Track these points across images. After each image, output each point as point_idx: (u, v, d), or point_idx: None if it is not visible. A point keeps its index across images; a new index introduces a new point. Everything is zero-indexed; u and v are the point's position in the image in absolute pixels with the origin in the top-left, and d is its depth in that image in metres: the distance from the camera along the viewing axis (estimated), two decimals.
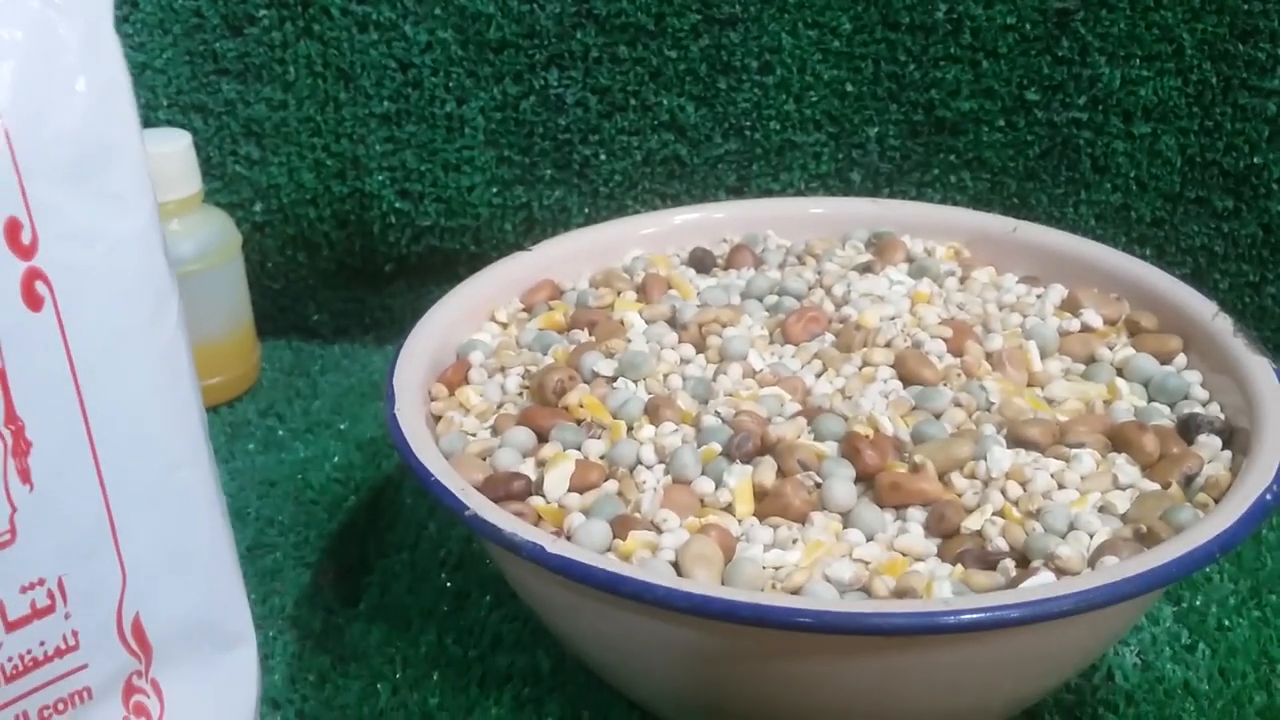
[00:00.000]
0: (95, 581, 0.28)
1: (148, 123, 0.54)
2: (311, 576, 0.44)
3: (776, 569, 0.31)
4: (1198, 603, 0.42)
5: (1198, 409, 0.37)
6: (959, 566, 0.31)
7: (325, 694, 0.39)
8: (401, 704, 0.38)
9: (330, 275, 0.58)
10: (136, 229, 0.28)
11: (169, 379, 0.29)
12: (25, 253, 0.26)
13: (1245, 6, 0.50)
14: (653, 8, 0.52)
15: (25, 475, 0.27)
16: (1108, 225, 0.55)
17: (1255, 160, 0.52)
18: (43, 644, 0.28)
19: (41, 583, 0.27)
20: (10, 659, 0.27)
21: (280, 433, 0.52)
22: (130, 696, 0.29)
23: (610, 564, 0.29)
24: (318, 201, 0.56)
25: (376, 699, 0.38)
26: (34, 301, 0.27)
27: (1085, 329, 0.41)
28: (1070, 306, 0.42)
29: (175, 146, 0.50)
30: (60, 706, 0.28)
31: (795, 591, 0.30)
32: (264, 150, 0.55)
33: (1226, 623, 0.41)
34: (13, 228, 0.26)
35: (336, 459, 0.50)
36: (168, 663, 0.30)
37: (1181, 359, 0.40)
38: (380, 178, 0.55)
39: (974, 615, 0.27)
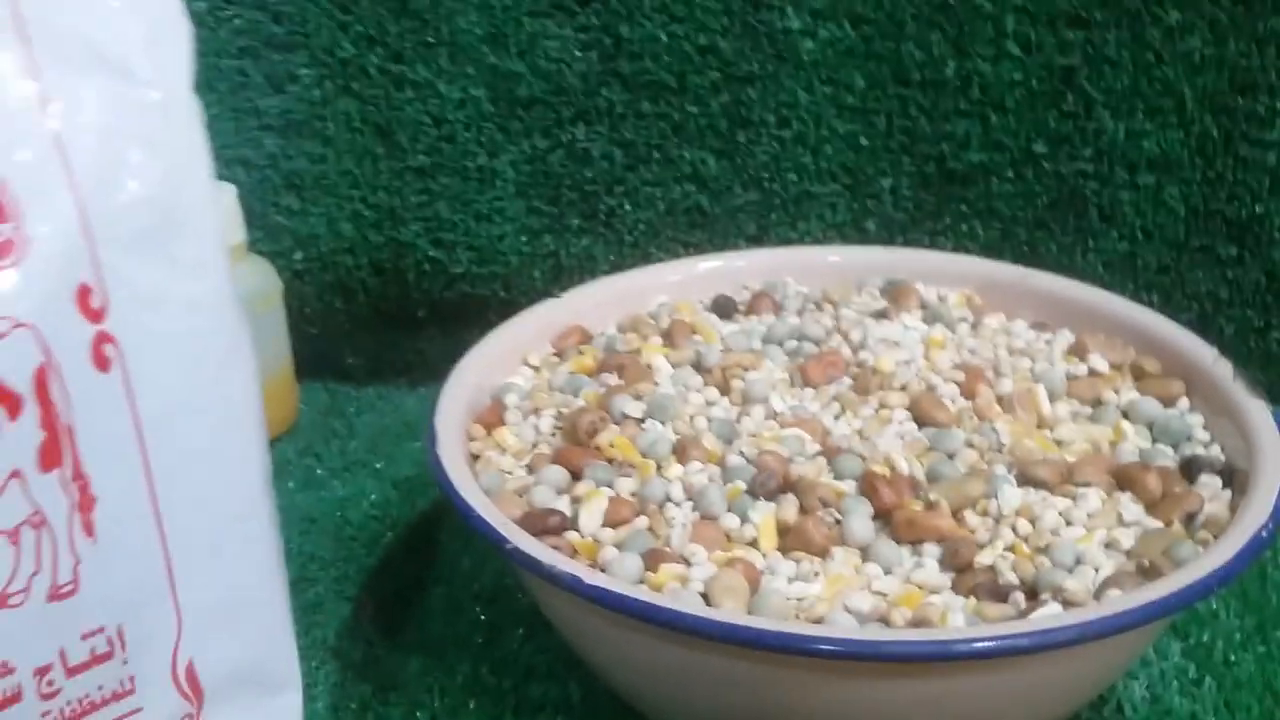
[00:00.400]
0: (153, 630, 0.29)
1: None
2: (352, 609, 0.46)
3: (800, 600, 0.33)
4: (1205, 638, 0.44)
5: (1199, 450, 0.39)
6: (972, 599, 0.33)
7: None
8: None
9: (366, 320, 0.60)
10: (206, 292, 0.29)
11: (236, 435, 0.30)
12: (95, 316, 0.27)
13: (1244, 62, 0.52)
14: (675, 66, 0.54)
15: (89, 528, 0.28)
16: (1115, 273, 0.57)
17: (1257, 209, 0.55)
18: (101, 688, 0.29)
19: (102, 630, 0.28)
20: (70, 702, 0.28)
21: (319, 472, 0.54)
22: None
23: (644, 594, 0.31)
24: (355, 250, 0.58)
25: None
26: (102, 363, 0.28)
27: (1092, 373, 0.43)
28: (1078, 352, 0.44)
29: (221, 199, 0.52)
30: None
31: (818, 621, 0.32)
32: (304, 202, 0.57)
33: (1233, 658, 0.43)
34: (84, 293, 0.27)
35: (374, 497, 0.52)
36: (218, 706, 0.31)
37: (1184, 402, 0.42)
38: (415, 228, 0.58)
39: (986, 643, 0.29)
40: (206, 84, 0.55)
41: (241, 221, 0.53)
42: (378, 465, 0.54)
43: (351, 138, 0.56)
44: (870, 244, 0.55)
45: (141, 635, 0.29)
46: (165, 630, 0.29)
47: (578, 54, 0.54)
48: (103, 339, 0.28)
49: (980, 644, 0.29)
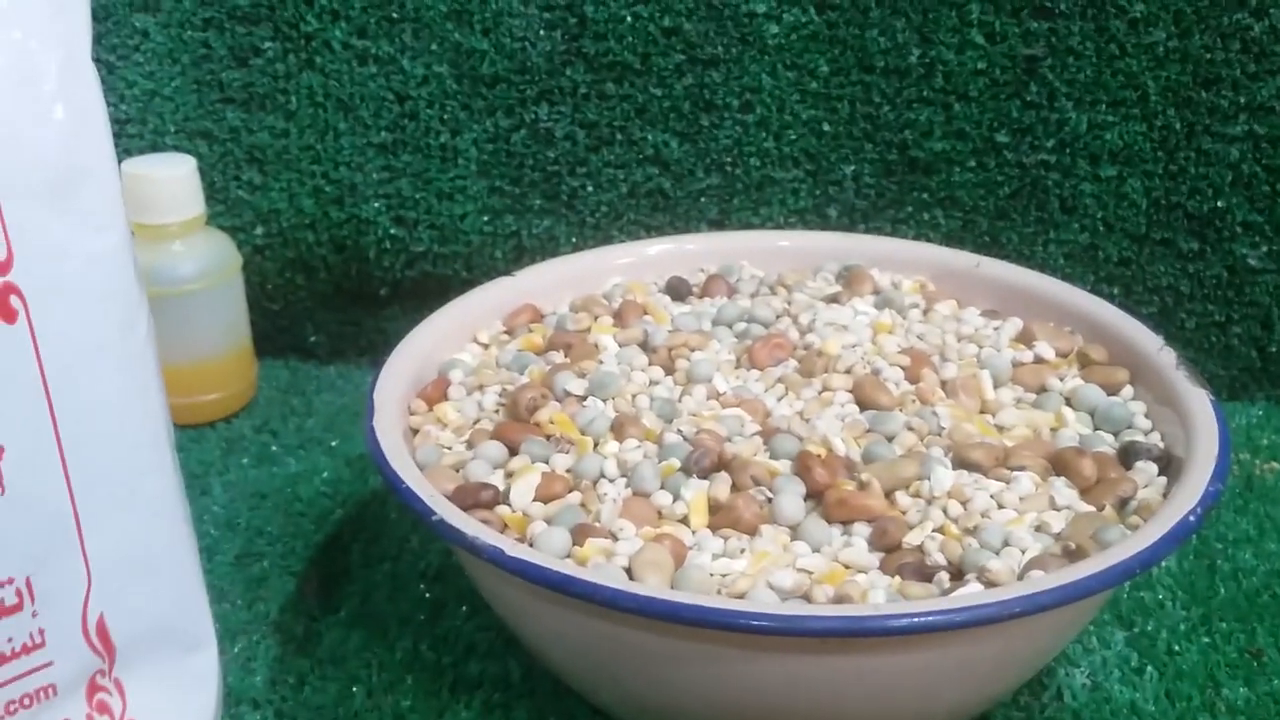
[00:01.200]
0: (62, 582, 0.29)
1: (155, 147, 0.57)
2: (296, 584, 0.46)
3: (724, 576, 0.33)
4: (1149, 628, 0.44)
5: (1139, 437, 0.39)
6: (897, 578, 0.33)
7: (303, 695, 0.41)
8: (376, 706, 0.40)
9: (327, 298, 0.60)
10: (108, 247, 0.30)
11: (137, 390, 0.30)
12: (1, 268, 0.28)
13: (1208, 56, 0.52)
14: (639, 47, 0.54)
15: None
16: (1076, 264, 0.57)
17: (1219, 204, 0.55)
18: (10, 640, 0.29)
19: (10, 581, 0.28)
20: None
21: (274, 448, 0.54)
22: (94, 694, 0.31)
23: (563, 566, 0.31)
24: (316, 226, 0.58)
25: (352, 701, 0.40)
26: (8, 315, 0.28)
27: (1038, 360, 0.43)
28: (1025, 339, 0.44)
29: (180, 170, 0.52)
30: (26, 701, 0.29)
31: (739, 597, 0.32)
32: (265, 176, 0.57)
33: (1176, 648, 0.43)
34: None
35: (326, 474, 0.52)
36: (131, 663, 0.31)
37: (1129, 390, 0.42)
38: (376, 205, 0.58)
39: (898, 620, 0.29)
40: (169, 55, 0.55)
41: (201, 194, 0.54)
42: (333, 443, 0.54)
43: (314, 112, 0.56)
44: (832, 230, 0.55)
45: (50, 587, 0.29)
46: (74, 583, 0.30)
47: (542, 33, 0.54)
48: (8, 290, 0.28)
49: (893, 620, 0.29)
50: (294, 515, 0.49)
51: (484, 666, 0.41)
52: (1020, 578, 0.32)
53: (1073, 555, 0.33)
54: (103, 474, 0.30)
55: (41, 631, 0.29)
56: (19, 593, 0.29)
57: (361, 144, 0.56)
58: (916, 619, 0.29)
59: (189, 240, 0.54)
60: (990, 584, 0.32)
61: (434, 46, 0.55)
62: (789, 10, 0.54)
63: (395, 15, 0.54)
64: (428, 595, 0.45)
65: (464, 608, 0.44)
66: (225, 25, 0.55)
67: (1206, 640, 0.43)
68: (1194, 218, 0.55)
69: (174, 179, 0.52)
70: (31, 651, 0.29)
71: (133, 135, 0.56)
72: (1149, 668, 0.42)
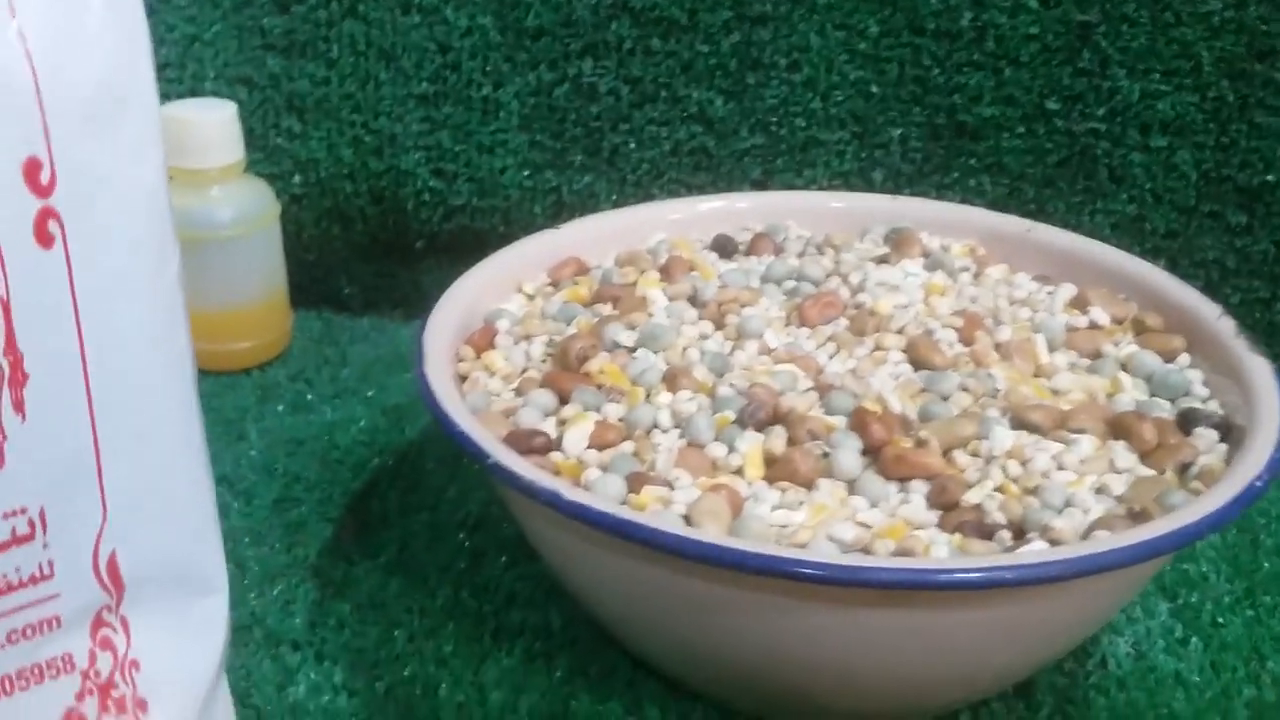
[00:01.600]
0: (76, 515, 0.29)
1: (195, 93, 0.56)
2: (334, 530, 0.45)
3: (782, 527, 0.32)
4: (1193, 599, 0.43)
5: (1197, 405, 0.39)
6: (957, 535, 0.33)
7: (344, 638, 0.40)
8: (417, 651, 0.40)
9: (363, 249, 0.60)
10: (149, 180, 0.29)
11: (166, 330, 0.29)
12: (43, 191, 0.27)
13: (1264, 28, 0.52)
14: (686, 3, 0.54)
15: (19, 406, 0.27)
16: (1123, 235, 0.56)
17: (1269, 177, 0.54)
18: (18, 569, 0.28)
19: (24, 511, 0.28)
20: None
21: (309, 396, 0.53)
22: (98, 630, 0.30)
23: (624, 511, 0.31)
24: (354, 177, 0.58)
25: (393, 644, 0.40)
26: (45, 239, 0.27)
27: (1093, 326, 0.43)
28: (1079, 304, 0.44)
29: (220, 115, 0.52)
30: (29, 632, 0.29)
31: (799, 548, 0.31)
32: (305, 124, 0.57)
33: (1220, 620, 0.43)
34: (32, 166, 0.26)
35: (363, 423, 0.51)
36: (139, 602, 0.30)
37: (1185, 358, 0.41)
38: (415, 156, 0.57)
39: (970, 574, 0.29)
40: (211, 1, 0.55)
41: (241, 141, 0.53)
42: (368, 393, 0.54)
43: (355, 61, 0.55)
44: (876, 193, 0.55)
45: (64, 519, 0.28)
46: (89, 517, 0.29)
47: None
48: (47, 214, 0.27)
49: (964, 574, 0.29)
50: (331, 463, 0.49)
51: (525, 615, 0.41)
52: (1084, 538, 0.32)
53: (1137, 518, 0.32)
54: (126, 410, 0.29)
55: (51, 563, 0.28)
56: (31, 523, 0.28)
57: (402, 94, 0.56)
58: (988, 573, 0.29)
59: (227, 186, 0.53)
60: (1055, 543, 0.31)
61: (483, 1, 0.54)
62: None
63: None
64: (467, 544, 0.45)
65: (504, 557, 0.44)
66: None
67: (1251, 614, 0.43)
68: (1244, 191, 0.55)
69: (214, 123, 0.52)
70: (39, 583, 0.28)
71: (172, 80, 0.56)
72: (1193, 639, 0.42)
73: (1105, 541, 0.30)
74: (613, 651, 0.39)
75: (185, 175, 0.52)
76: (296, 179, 0.58)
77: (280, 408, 0.53)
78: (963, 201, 0.56)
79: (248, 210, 0.53)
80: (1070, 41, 0.53)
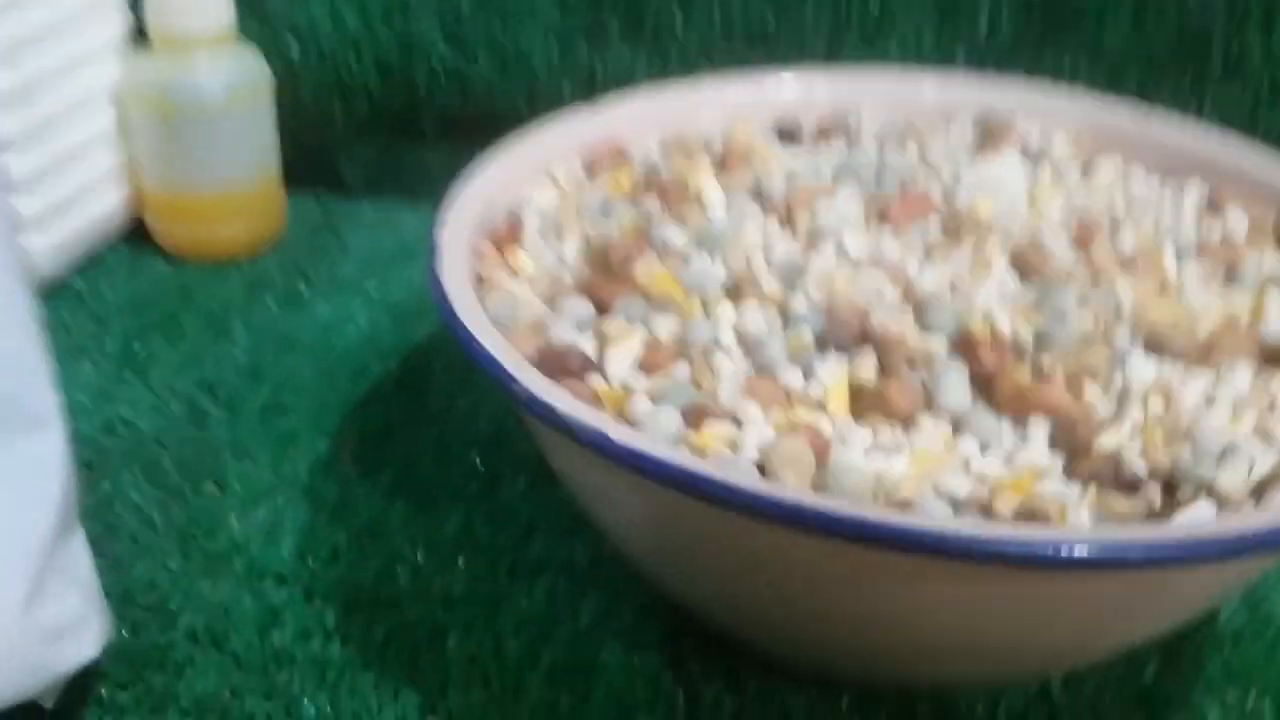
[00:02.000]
0: None
1: None
2: (330, 444, 0.39)
3: (879, 478, 0.26)
4: None
5: None
6: (1092, 489, 0.27)
7: (337, 571, 0.35)
8: (422, 590, 0.34)
9: (366, 129, 0.53)
10: None
11: None
12: None
13: None
14: None
15: None
16: (1235, 131, 0.49)
17: None
18: None
19: None
20: None
21: (303, 290, 0.47)
22: None
23: (688, 461, 0.24)
24: (359, 46, 0.51)
25: (394, 581, 0.34)
26: None
27: (1227, 236, 0.36)
28: (1211, 209, 0.37)
29: None
30: None
31: (903, 506, 0.25)
32: None
33: None
34: None
35: (362, 322, 0.45)
36: None
37: None
38: (429, 24, 0.50)
39: (1137, 548, 0.23)
40: None
41: (230, 3, 0.46)
42: (370, 288, 0.48)
43: None
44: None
45: None
46: None
47: None
48: None
49: (1132, 548, 0.22)
50: (327, 366, 0.43)
51: (546, 548, 0.36)
52: (1258, 498, 0.26)
53: None
54: None
55: None
56: None
57: None
58: (1181, 546, 0.22)
59: (215, 53, 0.46)
60: (1222, 503, 0.25)
61: None
62: None
63: None
64: (480, 464, 0.39)
65: (522, 480, 0.38)
66: None
67: None
68: None
69: None
70: None
71: None
72: None
73: None
74: (646, 591, 0.34)
75: (168, 40, 0.46)
76: (294, 47, 0.51)
77: (271, 303, 0.46)
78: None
79: (238, 81, 0.47)
80: None
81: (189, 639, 0.32)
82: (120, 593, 0.33)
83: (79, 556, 0.28)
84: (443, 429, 0.40)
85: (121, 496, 0.37)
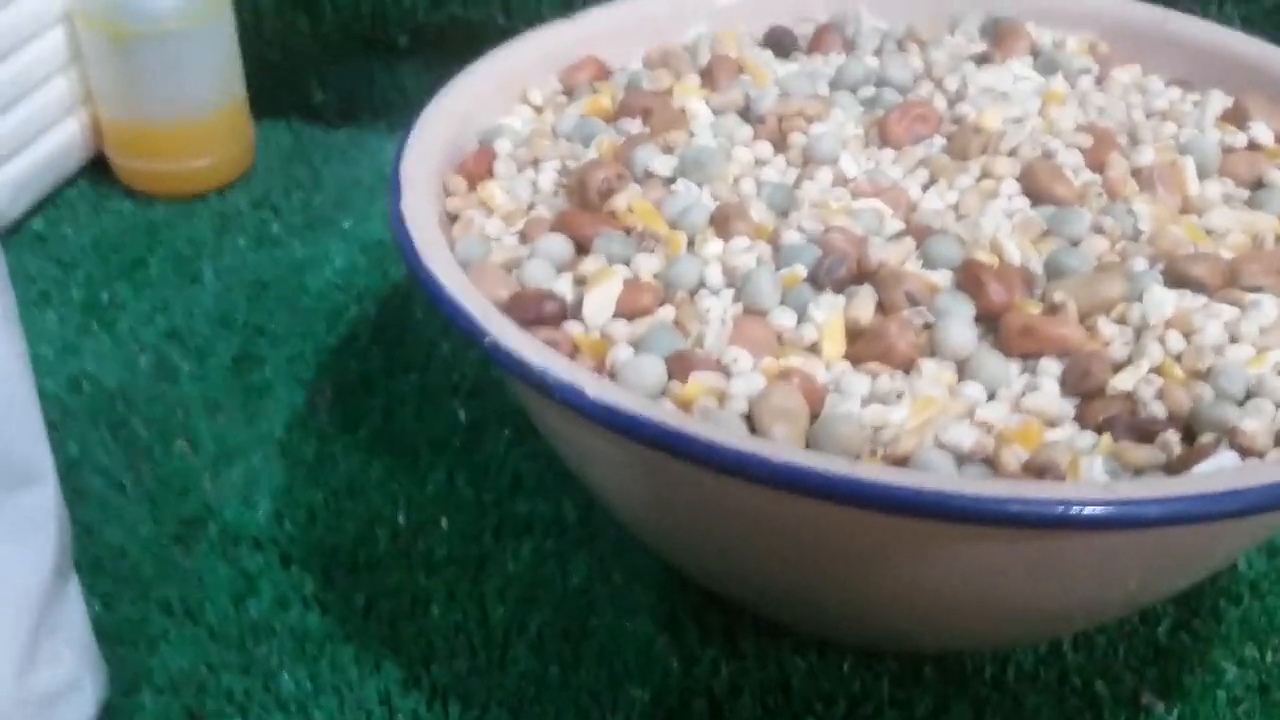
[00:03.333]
0: None
1: None
2: (306, 397, 0.38)
3: (877, 430, 0.24)
4: None
5: None
6: (1105, 437, 0.25)
7: (315, 534, 0.33)
8: (403, 552, 0.33)
9: (336, 46, 0.50)
10: None
11: None
12: None
13: None
14: None
15: None
16: (1256, 34, 0.46)
17: None
18: None
19: None
20: None
21: (275, 228, 0.45)
22: None
23: (669, 417, 0.23)
24: None
25: (374, 544, 0.33)
26: None
27: (1252, 146, 0.33)
28: (1234, 118, 0.34)
29: None
30: None
31: (902, 461, 0.24)
32: None
33: None
34: None
35: (339, 262, 0.43)
36: None
37: None
38: None
39: (1155, 507, 0.21)
40: None
41: None
42: (345, 224, 0.45)
43: None
44: None
45: None
46: None
47: None
48: None
49: (1158, 508, 0.21)
50: (302, 311, 0.41)
51: (533, 506, 0.34)
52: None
53: None
54: None
55: None
56: None
57: None
58: (1198, 502, 0.21)
59: None
60: (1246, 451, 0.23)
61: None
62: None
63: None
64: (463, 415, 0.37)
65: (507, 432, 0.36)
66: None
67: None
68: None
69: None
70: None
71: None
72: None
73: None
74: (638, 551, 0.32)
75: None
76: None
77: (242, 242, 0.44)
78: None
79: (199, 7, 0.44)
80: None
81: (163, 611, 0.31)
82: (90, 562, 0.32)
83: (73, 611, 0.26)
84: (423, 377, 0.38)
85: (89, 458, 0.35)
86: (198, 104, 0.45)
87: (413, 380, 0.38)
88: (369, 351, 0.39)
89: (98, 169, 0.47)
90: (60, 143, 0.46)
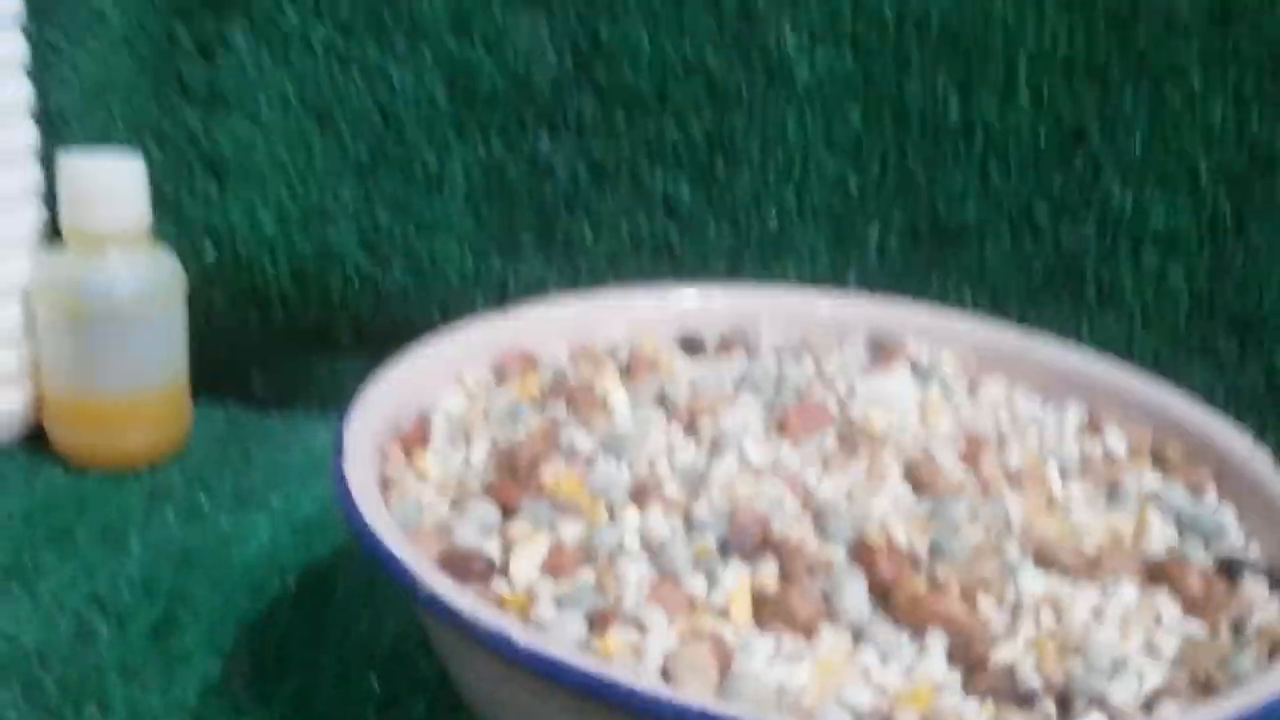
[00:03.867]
0: None
1: (102, 144, 0.50)
2: (222, 665, 0.38)
3: (783, 688, 0.26)
4: None
5: (1236, 550, 0.34)
6: (989, 703, 0.27)
7: None
8: None
9: (279, 337, 0.53)
10: None
11: None
12: None
13: (1266, 138, 0.48)
14: (655, 77, 0.49)
15: None
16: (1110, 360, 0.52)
17: (1264, 303, 0.50)
18: None
19: None
20: None
21: (205, 503, 0.46)
22: None
23: (594, 665, 0.24)
24: (275, 251, 0.51)
25: None
26: None
27: (1107, 454, 0.38)
28: (1091, 428, 0.39)
29: (124, 170, 0.46)
30: None
31: (806, 717, 0.25)
32: (223, 188, 0.51)
33: None
34: None
35: (265, 538, 0.44)
36: None
37: (1213, 493, 0.36)
38: (347, 232, 0.51)
39: None
40: (125, 42, 0.49)
41: (147, 201, 0.47)
42: (274, 502, 0.47)
43: (285, 120, 0.50)
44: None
45: None
46: None
47: (549, 52, 0.49)
48: None
49: None
50: (225, 583, 0.42)
51: None
52: (1148, 712, 0.26)
53: (1203, 688, 0.27)
54: None
55: None
56: None
57: (337, 161, 0.50)
58: None
59: (129, 252, 0.47)
60: (1116, 717, 0.26)
61: (427, 56, 0.49)
62: (822, 48, 0.49)
63: (387, 18, 0.48)
64: (378, 687, 0.37)
65: (422, 704, 0.37)
66: (193, 12, 0.48)
67: None
68: (1236, 317, 0.51)
69: (116, 178, 0.45)
70: None
71: (75, 129, 0.49)
72: None
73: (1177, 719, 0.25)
74: None
75: (81, 236, 0.46)
76: (209, 250, 0.52)
77: (171, 515, 0.45)
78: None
79: (151, 283, 0.47)
80: (1062, 143, 0.50)
81: None
82: None
83: None
84: (341, 649, 0.39)
85: None
86: (142, 383, 0.47)
87: (331, 652, 0.39)
88: (289, 624, 0.40)
89: (34, 439, 0.48)
90: (2, 412, 0.47)
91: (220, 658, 0.38)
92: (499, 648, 0.25)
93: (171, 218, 0.51)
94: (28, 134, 0.48)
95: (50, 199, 0.48)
